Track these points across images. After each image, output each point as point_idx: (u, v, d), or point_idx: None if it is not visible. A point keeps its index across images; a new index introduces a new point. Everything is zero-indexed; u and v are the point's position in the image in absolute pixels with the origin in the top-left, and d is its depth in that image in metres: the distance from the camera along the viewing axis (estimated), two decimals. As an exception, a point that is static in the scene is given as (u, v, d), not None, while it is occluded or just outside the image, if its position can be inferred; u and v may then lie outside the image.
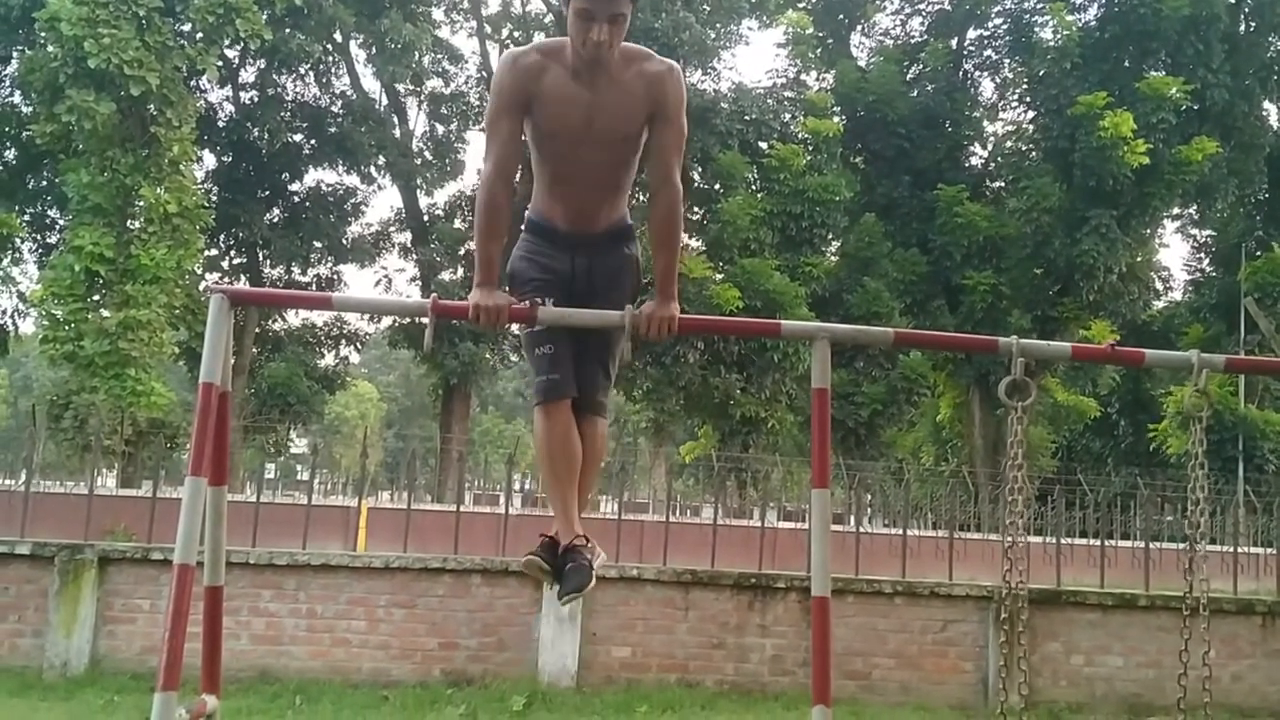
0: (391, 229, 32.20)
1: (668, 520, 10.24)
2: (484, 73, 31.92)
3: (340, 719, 7.24)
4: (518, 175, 3.76)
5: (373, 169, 30.37)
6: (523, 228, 3.82)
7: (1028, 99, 28.20)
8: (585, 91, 3.44)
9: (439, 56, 31.24)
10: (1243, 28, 28.22)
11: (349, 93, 30.22)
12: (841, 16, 30.39)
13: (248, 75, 28.84)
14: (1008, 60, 29.35)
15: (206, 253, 25.45)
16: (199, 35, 21.80)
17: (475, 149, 32.59)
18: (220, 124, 28.01)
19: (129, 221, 21.28)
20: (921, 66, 28.90)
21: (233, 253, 29.61)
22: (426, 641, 8.44)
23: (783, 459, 24.11)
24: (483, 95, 32.20)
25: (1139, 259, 26.68)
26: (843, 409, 24.69)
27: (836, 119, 26.82)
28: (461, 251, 28.85)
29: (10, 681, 7.74)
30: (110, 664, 8.11)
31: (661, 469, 26.51)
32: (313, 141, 29.36)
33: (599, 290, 3.68)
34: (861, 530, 11.49)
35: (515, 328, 3.76)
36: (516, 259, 3.76)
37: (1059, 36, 26.06)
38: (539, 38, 32.03)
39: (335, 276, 31.08)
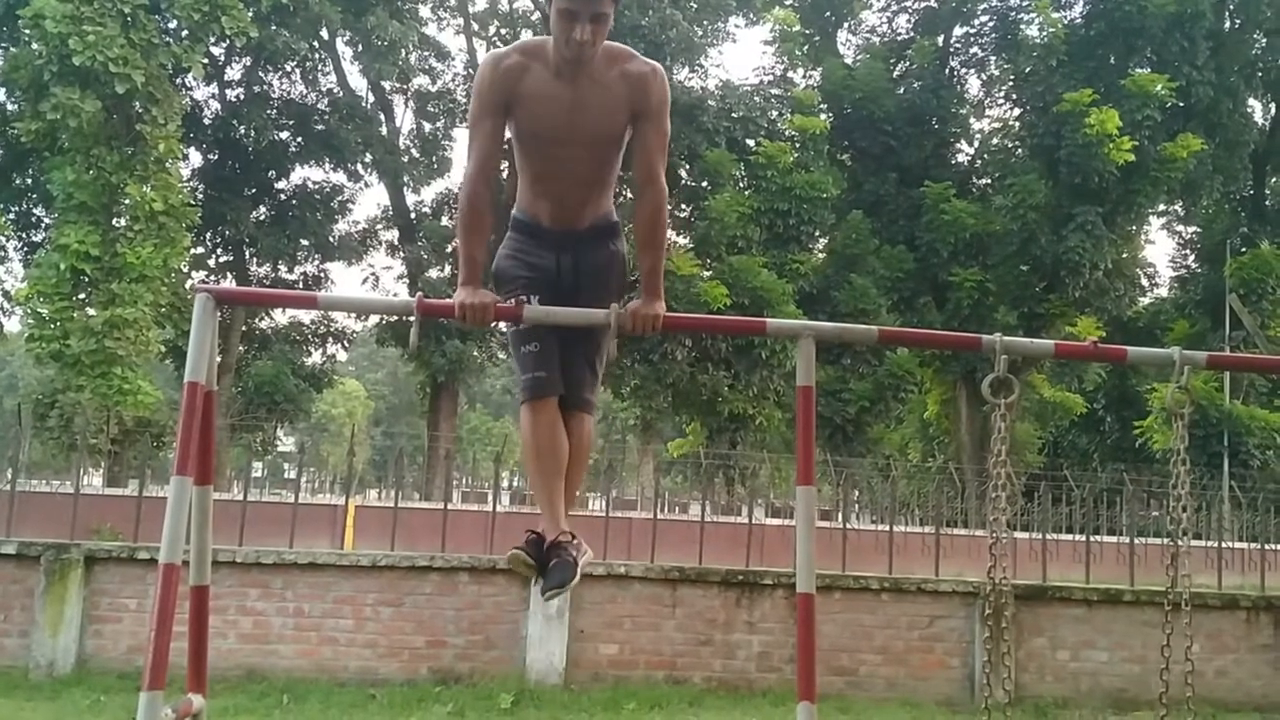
0: (378, 227, 32.17)
1: (655, 517, 10.24)
2: (470, 70, 31.88)
3: (328, 717, 7.23)
4: (502, 174, 3.76)
5: (359, 167, 30.32)
6: (509, 226, 3.82)
7: (1014, 96, 28.30)
8: (567, 90, 3.44)
9: (425, 54, 31.22)
10: (1227, 24, 28.37)
11: (335, 90, 30.15)
12: (828, 14, 30.42)
13: (233, 73, 28.78)
14: (994, 58, 29.41)
15: (193, 251, 25.35)
16: (184, 32, 21.73)
17: (462, 146, 32.53)
18: (206, 121, 27.92)
19: (115, 219, 21.22)
20: (908, 64, 28.97)
21: (219, 250, 29.51)
22: (414, 640, 8.44)
23: (770, 456, 24.14)
24: (469, 93, 32.11)
25: (1125, 255, 26.81)
26: (830, 406, 24.73)
27: (823, 116, 26.87)
28: (448, 249, 28.80)
29: (-4, 681, 7.72)
30: (97, 664, 8.09)
31: (649, 466, 26.49)
32: (299, 139, 29.28)
33: (585, 287, 3.68)
34: (848, 527, 11.51)
35: (502, 325, 3.76)
36: (502, 258, 3.76)
37: (1045, 34, 26.16)
38: (526, 35, 32.14)
39: (322, 274, 31.03)
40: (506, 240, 3.80)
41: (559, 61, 3.41)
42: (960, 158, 30.06)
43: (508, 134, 3.62)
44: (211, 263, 29.30)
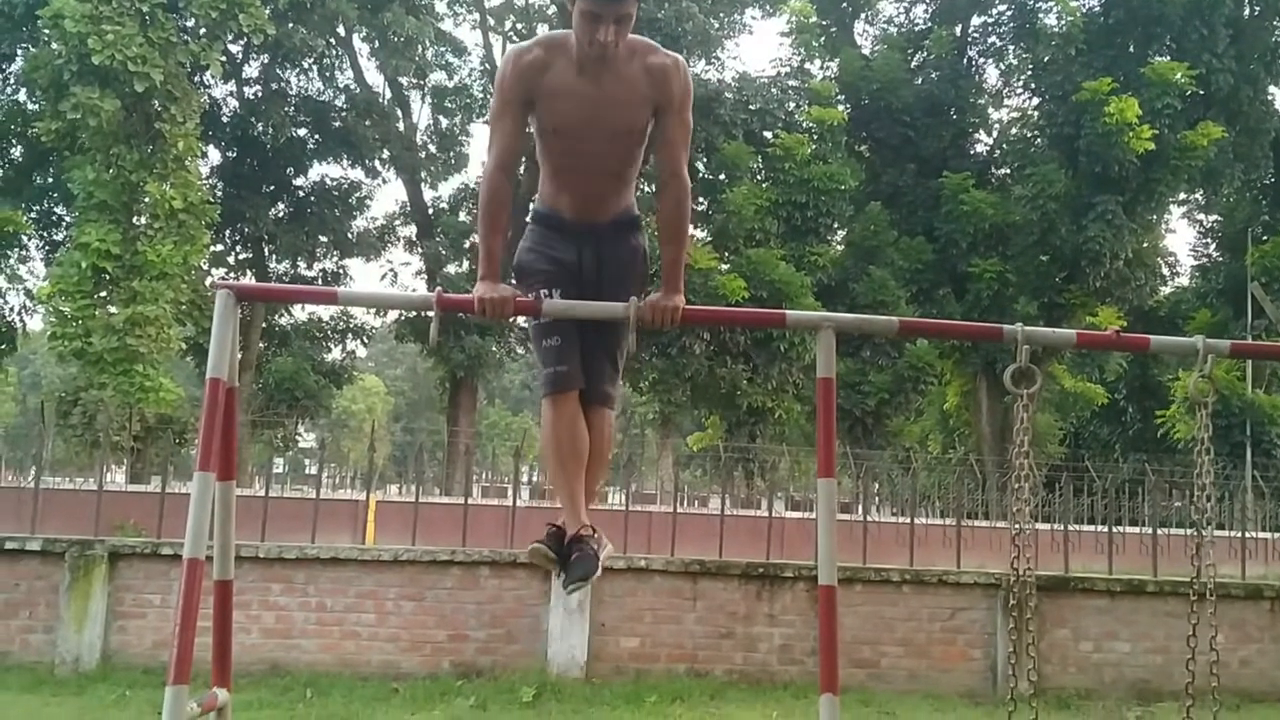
0: (396, 223, 32.26)
1: (675, 511, 10.24)
2: (487, 65, 31.93)
3: (350, 711, 7.26)
4: (520, 169, 3.73)
5: (377, 163, 30.41)
6: (528, 219, 3.82)
7: (1032, 85, 28.11)
8: (590, 86, 3.42)
9: (442, 49, 31.24)
10: (1247, 12, 28.10)
11: (352, 87, 30.23)
12: (845, 4, 30.29)
13: (251, 70, 28.89)
14: (1012, 47, 29.26)
15: (212, 248, 25.48)
16: (202, 31, 21.83)
17: (479, 142, 32.65)
18: (224, 119, 28.04)
19: (135, 218, 21.34)
20: (926, 54, 28.84)
21: (238, 248, 29.67)
22: (436, 634, 8.46)
23: (790, 449, 24.11)
24: (486, 88, 32.16)
25: (1145, 245, 26.63)
26: (849, 398, 24.68)
27: (841, 107, 26.77)
28: (466, 245, 28.86)
29: (22, 677, 7.77)
30: (121, 659, 8.14)
31: (669, 460, 26.52)
32: (317, 136, 29.38)
33: (606, 282, 3.68)
34: (869, 519, 11.49)
35: (521, 320, 3.77)
36: (523, 251, 3.75)
37: (1063, 22, 26.01)
38: (542, 30, 32.14)
39: (341, 271, 31.14)
40: (527, 233, 3.78)
41: (581, 58, 3.39)
42: (979, 148, 29.91)
43: (530, 127, 3.61)
44: (231, 260, 29.47)
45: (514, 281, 3.71)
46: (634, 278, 3.75)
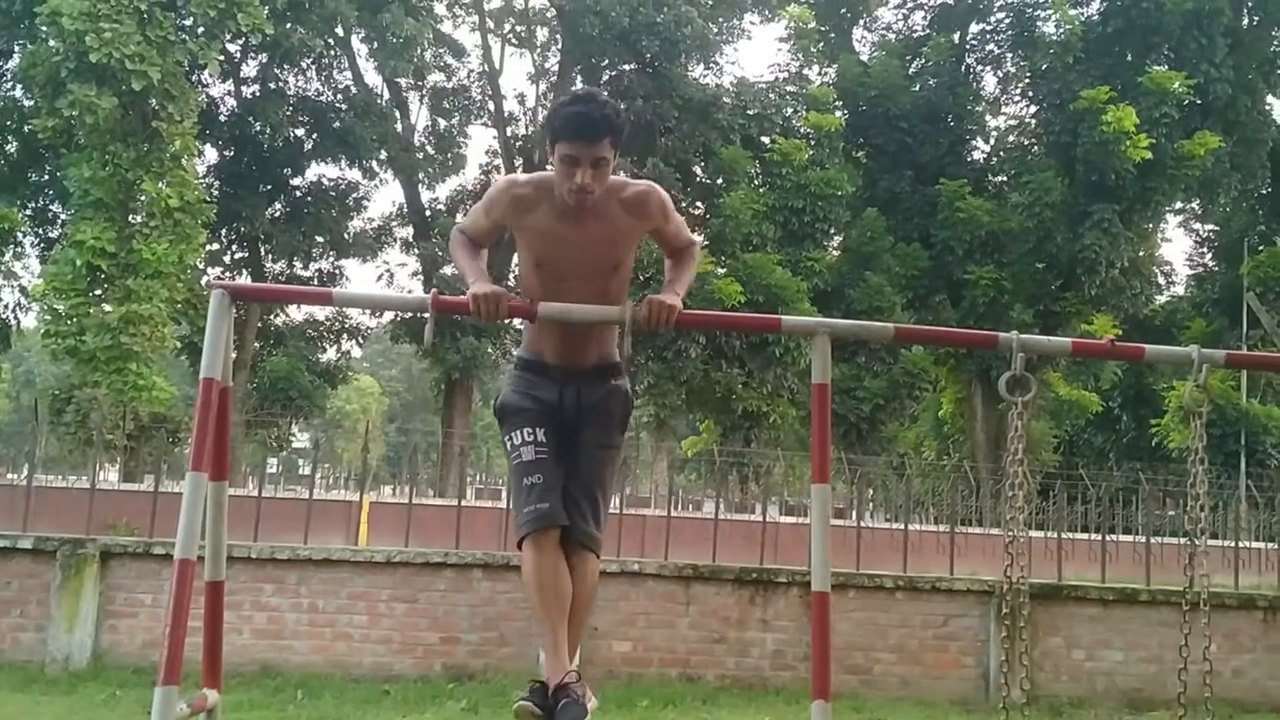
0: (393, 224, 32.30)
1: (669, 515, 10.25)
2: (486, 67, 31.96)
3: (342, 713, 7.24)
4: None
5: (374, 163, 30.37)
6: (514, 366, 3.90)
7: (1030, 93, 28.18)
8: (570, 229, 3.50)
9: (441, 51, 31.28)
10: (1245, 21, 28.20)
11: (351, 87, 30.23)
12: (844, 10, 30.35)
13: (249, 69, 28.88)
14: (1010, 54, 29.31)
15: (208, 247, 25.44)
16: (200, 29, 21.79)
17: (476, 144, 32.72)
18: (222, 118, 28.00)
19: (130, 216, 21.30)
20: (924, 61, 28.86)
21: (234, 247, 29.65)
22: (428, 636, 8.44)
23: (784, 454, 24.09)
24: (485, 90, 32.19)
25: (1141, 254, 26.69)
26: (844, 404, 24.68)
27: (838, 113, 26.79)
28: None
29: (12, 676, 7.74)
30: (112, 658, 8.11)
31: (663, 463, 26.51)
32: (314, 136, 29.36)
33: (588, 420, 3.70)
34: (863, 525, 11.49)
35: (507, 455, 3.73)
36: (506, 393, 3.79)
37: (1061, 31, 26.06)
38: (541, 33, 32.19)
39: (337, 271, 31.14)
40: (511, 377, 3.86)
41: (561, 204, 3.47)
42: (976, 155, 29.93)
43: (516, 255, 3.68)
44: (227, 259, 29.44)
45: (498, 422, 3.80)
46: (615, 415, 3.77)
